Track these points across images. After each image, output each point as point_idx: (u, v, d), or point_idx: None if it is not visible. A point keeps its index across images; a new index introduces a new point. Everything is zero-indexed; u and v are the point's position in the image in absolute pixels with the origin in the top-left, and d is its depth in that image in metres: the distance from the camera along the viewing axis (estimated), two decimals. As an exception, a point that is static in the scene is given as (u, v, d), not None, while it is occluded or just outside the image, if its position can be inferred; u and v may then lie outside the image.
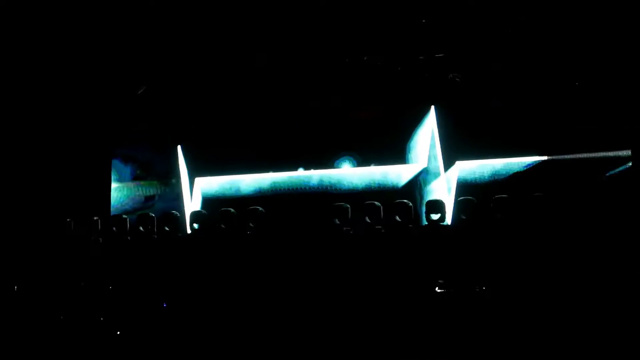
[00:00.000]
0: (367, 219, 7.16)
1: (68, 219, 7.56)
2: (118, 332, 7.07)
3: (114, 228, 7.47)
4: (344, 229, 7.16)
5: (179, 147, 8.87)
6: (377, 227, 7.20)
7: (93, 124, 8.70)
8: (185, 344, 6.86)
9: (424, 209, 7.45)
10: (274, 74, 8.38)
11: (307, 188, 8.38)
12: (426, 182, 8.26)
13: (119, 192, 8.80)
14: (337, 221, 7.18)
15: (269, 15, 7.96)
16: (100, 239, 7.48)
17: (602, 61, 7.75)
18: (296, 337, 6.80)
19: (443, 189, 8.04)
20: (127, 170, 8.89)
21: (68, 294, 7.17)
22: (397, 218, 7.21)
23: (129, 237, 7.50)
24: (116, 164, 8.92)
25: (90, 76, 8.46)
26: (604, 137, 7.82)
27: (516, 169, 7.98)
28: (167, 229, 7.49)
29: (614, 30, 7.61)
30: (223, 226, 7.36)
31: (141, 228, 7.48)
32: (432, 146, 8.15)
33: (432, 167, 8.21)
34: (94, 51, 8.26)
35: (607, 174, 7.82)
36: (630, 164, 7.57)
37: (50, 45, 8.20)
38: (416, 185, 8.35)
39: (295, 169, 8.42)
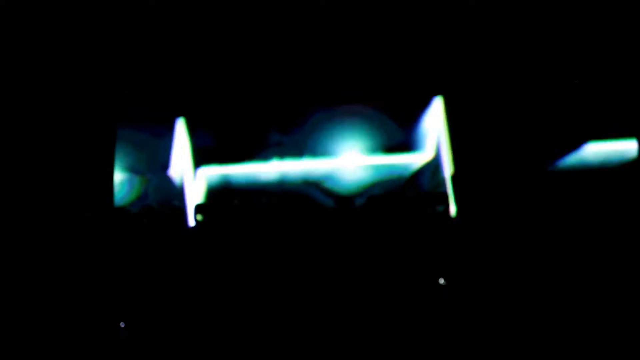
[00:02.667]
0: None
1: (67, 211, 7.50)
2: (122, 324, 7.07)
3: (118, 221, 7.46)
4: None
5: (184, 135, 8.79)
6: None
7: (93, 104, 8.54)
8: (191, 340, 6.87)
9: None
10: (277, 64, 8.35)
11: (314, 179, 8.34)
12: (433, 173, 8.23)
13: (123, 182, 8.71)
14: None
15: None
16: (102, 232, 7.45)
17: (609, 52, 7.72)
18: (299, 333, 6.81)
19: (449, 181, 8.03)
20: (130, 158, 8.80)
21: (70, 293, 7.15)
22: (438, 208, 7.27)
23: (132, 230, 7.49)
24: (119, 150, 8.80)
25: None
26: (610, 127, 7.81)
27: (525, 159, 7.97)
28: (169, 221, 7.49)
29: (618, 22, 7.58)
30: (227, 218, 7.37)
31: (144, 220, 7.47)
32: (439, 137, 8.13)
33: (439, 157, 8.18)
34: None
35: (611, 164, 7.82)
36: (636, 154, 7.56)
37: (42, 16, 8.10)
38: (423, 176, 8.32)
39: (300, 157, 8.37)
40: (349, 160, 8.15)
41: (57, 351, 6.82)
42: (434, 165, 8.11)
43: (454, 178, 7.78)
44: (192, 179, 8.55)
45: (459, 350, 6.67)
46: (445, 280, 7.09)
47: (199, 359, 6.82)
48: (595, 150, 7.81)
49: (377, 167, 8.29)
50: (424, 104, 8.22)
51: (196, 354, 6.81)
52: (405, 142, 8.29)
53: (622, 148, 7.78)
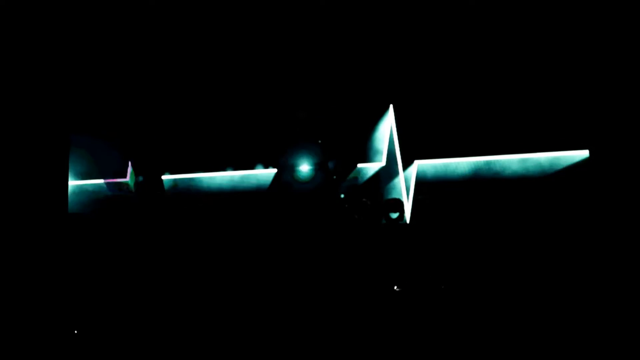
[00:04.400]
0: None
1: (20, 217, 7.45)
2: (75, 331, 7.05)
3: (73, 227, 7.43)
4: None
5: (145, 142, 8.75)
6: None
7: (47, 112, 8.44)
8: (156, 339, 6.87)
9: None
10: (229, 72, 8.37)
11: (265, 186, 8.34)
12: (385, 181, 8.25)
13: (77, 190, 8.65)
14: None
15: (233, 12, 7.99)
16: (57, 239, 7.42)
17: (563, 60, 7.82)
18: (254, 337, 6.82)
19: (402, 188, 8.06)
20: (83, 166, 8.72)
21: (23, 298, 7.10)
22: (392, 215, 7.32)
23: (88, 235, 7.47)
24: (73, 158, 8.69)
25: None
26: (562, 136, 7.89)
27: (477, 167, 8.00)
28: (128, 228, 7.48)
29: (575, 28, 7.70)
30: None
31: (101, 226, 7.46)
32: (391, 145, 8.15)
33: (391, 165, 8.20)
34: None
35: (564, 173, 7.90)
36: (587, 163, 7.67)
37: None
38: (375, 183, 8.34)
39: (253, 167, 8.38)
40: (305, 168, 8.18)
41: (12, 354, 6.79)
42: (388, 172, 8.16)
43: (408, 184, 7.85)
44: (152, 186, 8.54)
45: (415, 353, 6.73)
46: (399, 287, 7.14)
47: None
48: (545, 159, 7.90)
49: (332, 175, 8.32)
50: (378, 113, 8.27)
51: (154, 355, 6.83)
52: (359, 150, 8.33)
53: (572, 156, 7.88)
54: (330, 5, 7.92)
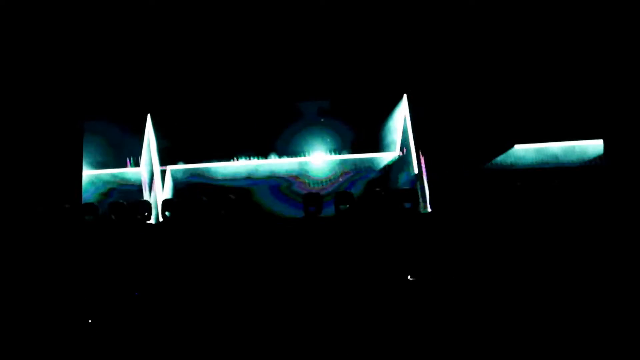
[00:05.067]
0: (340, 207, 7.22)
1: (36, 207, 7.47)
2: (90, 321, 7.05)
3: (86, 216, 7.43)
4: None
5: (151, 134, 8.79)
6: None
7: (63, 102, 8.47)
8: (159, 333, 6.86)
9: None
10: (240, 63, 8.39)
11: (278, 175, 8.36)
12: (399, 170, 8.27)
13: (91, 179, 8.69)
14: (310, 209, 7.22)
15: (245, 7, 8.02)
16: (71, 228, 7.43)
17: (576, 52, 7.82)
18: (267, 327, 6.82)
19: (415, 177, 8.09)
20: (98, 156, 8.76)
21: (37, 285, 7.12)
22: (406, 205, 7.30)
23: (100, 225, 7.47)
24: (87, 147, 8.74)
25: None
26: (576, 126, 7.90)
27: (490, 157, 8.01)
28: (139, 217, 7.46)
29: (583, 21, 7.70)
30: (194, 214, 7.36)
31: (113, 216, 7.44)
32: (405, 134, 8.16)
33: (405, 155, 8.21)
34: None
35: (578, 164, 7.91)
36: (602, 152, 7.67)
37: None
38: (390, 173, 8.37)
39: (266, 156, 8.39)
40: (318, 159, 8.19)
41: (23, 344, 6.80)
42: (402, 162, 8.17)
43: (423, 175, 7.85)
44: (160, 175, 8.56)
45: (428, 343, 6.73)
46: (413, 276, 7.13)
47: (166, 348, 6.83)
48: (560, 149, 7.90)
49: (346, 165, 8.33)
50: (392, 103, 8.28)
51: (163, 343, 6.82)
52: (374, 140, 8.34)
53: (586, 146, 7.89)
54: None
